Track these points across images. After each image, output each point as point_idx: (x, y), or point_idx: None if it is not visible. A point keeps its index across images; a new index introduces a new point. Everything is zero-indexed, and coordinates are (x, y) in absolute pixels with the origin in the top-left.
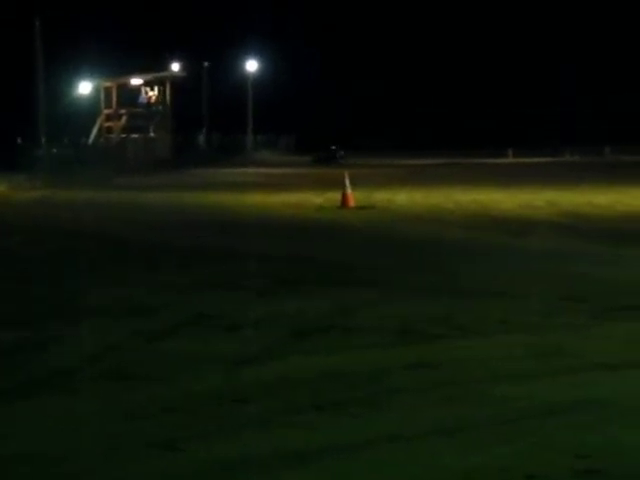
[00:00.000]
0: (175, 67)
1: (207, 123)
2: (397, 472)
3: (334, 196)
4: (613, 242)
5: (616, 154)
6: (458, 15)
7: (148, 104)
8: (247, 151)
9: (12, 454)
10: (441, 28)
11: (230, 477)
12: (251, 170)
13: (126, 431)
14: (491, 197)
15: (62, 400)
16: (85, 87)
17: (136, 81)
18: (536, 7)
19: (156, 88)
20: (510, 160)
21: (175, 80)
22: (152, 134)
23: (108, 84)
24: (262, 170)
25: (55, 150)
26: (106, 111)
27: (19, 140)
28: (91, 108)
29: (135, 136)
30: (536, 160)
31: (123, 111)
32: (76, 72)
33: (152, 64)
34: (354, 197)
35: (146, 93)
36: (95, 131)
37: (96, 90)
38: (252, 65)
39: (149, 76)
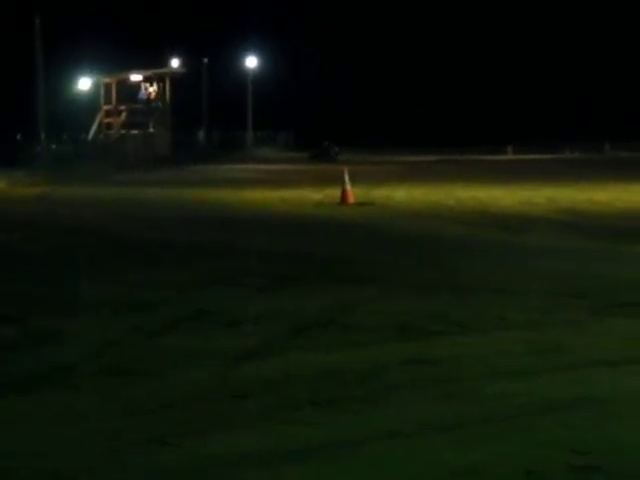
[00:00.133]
0: (175, 63)
1: (207, 119)
2: (396, 468)
3: (333, 192)
4: (613, 239)
5: (616, 151)
6: (458, 15)
7: (148, 100)
8: (247, 147)
9: (11, 450)
10: (441, 28)
11: (230, 473)
12: (251, 166)
13: (125, 426)
14: (490, 194)
15: (62, 395)
16: (84, 83)
17: (136, 77)
18: (536, 7)
19: (155, 84)
20: (510, 157)
21: (175, 76)
22: (152, 130)
23: (107, 80)
24: (262, 166)
25: (54, 146)
26: (105, 107)
27: (18, 136)
28: (90, 104)
29: (135, 132)
30: (536, 157)
31: (122, 107)
32: (75, 68)
33: (152, 60)
34: (353, 193)
35: (146, 89)
36: (94, 127)
37: (95, 86)
38: (252, 61)
39: (149, 72)
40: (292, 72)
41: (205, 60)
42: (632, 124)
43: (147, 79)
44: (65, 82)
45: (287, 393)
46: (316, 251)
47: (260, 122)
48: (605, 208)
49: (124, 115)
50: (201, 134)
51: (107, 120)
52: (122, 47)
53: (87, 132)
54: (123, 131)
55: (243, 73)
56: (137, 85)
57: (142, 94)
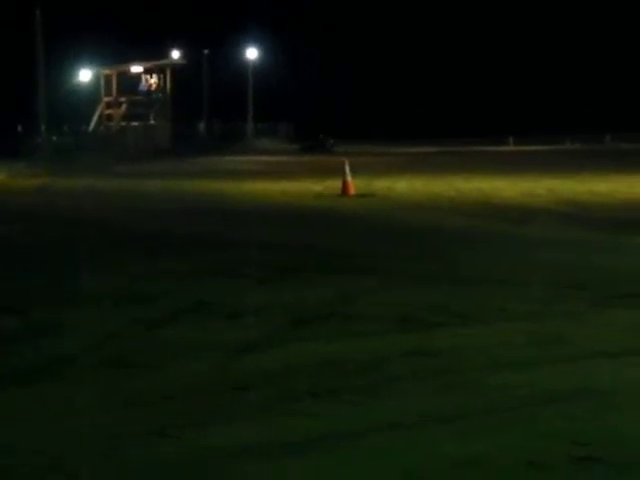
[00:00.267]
0: (175, 55)
1: (207, 111)
2: (397, 460)
3: (334, 184)
4: (613, 230)
5: (617, 142)
6: (458, 15)
7: (148, 92)
8: (247, 139)
9: (10, 441)
10: (441, 28)
11: (230, 465)
12: (251, 158)
13: (126, 418)
14: (492, 185)
15: (62, 387)
16: (85, 75)
17: (136, 69)
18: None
19: (156, 76)
20: (511, 148)
21: (175, 68)
22: (152, 122)
23: (108, 72)
24: (262, 158)
25: (55, 138)
26: (106, 99)
27: (19, 128)
28: (91, 96)
29: (135, 124)
30: (537, 148)
31: (123, 99)
32: (76, 60)
33: (152, 52)
34: (354, 185)
35: (146, 81)
36: (95, 119)
37: (96, 78)
38: (252, 53)
39: (149, 64)
40: (292, 72)
41: (206, 52)
42: (632, 117)
43: (148, 71)
44: (66, 74)
45: (287, 385)
46: (316, 243)
47: (260, 114)
48: (605, 199)
49: (124, 107)
50: (201, 126)
51: (107, 112)
52: (123, 39)
53: (88, 124)
54: (123, 123)
55: (243, 65)
56: (138, 77)
57: (142, 86)
